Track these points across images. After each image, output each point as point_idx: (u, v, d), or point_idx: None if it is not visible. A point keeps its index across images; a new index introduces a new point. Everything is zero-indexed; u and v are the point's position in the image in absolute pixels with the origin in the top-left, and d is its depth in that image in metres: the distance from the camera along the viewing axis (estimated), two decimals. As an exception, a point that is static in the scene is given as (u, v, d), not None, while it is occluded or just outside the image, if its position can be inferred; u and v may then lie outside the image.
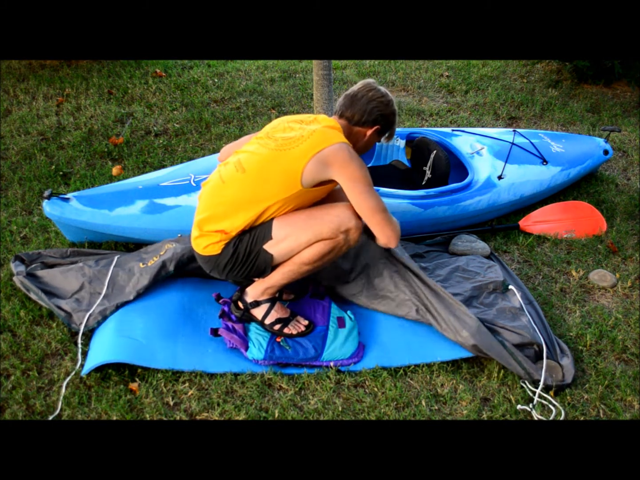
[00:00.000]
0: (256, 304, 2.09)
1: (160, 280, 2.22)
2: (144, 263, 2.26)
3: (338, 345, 2.05)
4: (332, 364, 2.02)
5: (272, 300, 2.09)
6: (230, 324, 2.07)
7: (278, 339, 2.05)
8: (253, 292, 2.08)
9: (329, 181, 1.97)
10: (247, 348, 2.02)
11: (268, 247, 1.96)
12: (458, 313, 2.06)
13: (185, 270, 2.28)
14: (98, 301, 2.15)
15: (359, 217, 1.98)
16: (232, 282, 2.17)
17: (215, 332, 2.06)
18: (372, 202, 1.94)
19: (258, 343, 2.03)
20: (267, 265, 2.01)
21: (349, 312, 2.19)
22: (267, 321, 2.08)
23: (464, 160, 2.93)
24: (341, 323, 2.12)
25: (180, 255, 2.25)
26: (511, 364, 1.97)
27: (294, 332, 2.08)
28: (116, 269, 2.27)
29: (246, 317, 2.10)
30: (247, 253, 1.98)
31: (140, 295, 2.16)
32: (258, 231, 1.97)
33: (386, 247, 2.04)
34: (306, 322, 2.11)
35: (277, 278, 2.04)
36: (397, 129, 3.17)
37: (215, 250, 1.99)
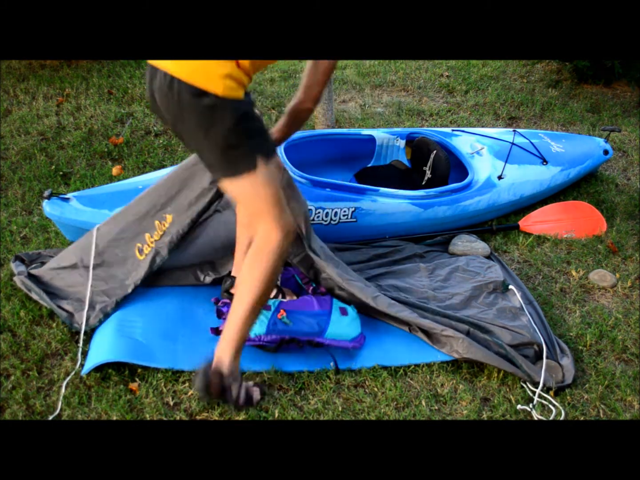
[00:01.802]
0: None
1: (156, 268, 2.18)
2: (141, 253, 2.21)
3: (342, 325, 2.04)
4: (334, 343, 2.00)
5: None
6: None
7: (279, 315, 2.03)
8: (224, 359, 1.76)
9: None
10: None
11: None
12: (448, 332, 2.05)
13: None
14: (90, 281, 2.14)
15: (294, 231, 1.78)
16: (209, 168, 1.73)
17: (216, 330, 2.06)
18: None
19: (260, 320, 1.99)
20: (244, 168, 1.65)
21: (351, 306, 2.19)
22: None
23: (464, 160, 2.93)
24: (343, 312, 2.12)
25: (176, 240, 2.17)
26: (512, 369, 1.98)
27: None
28: (109, 252, 2.22)
29: None
30: (249, 133, 1.61)
31: (137, 287, 2.15)
32: (264, 139, 1.70)
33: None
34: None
35: (235, 330, 1.74)
36: (397, 129, 3.17)
37: (229, 91, 1.53)
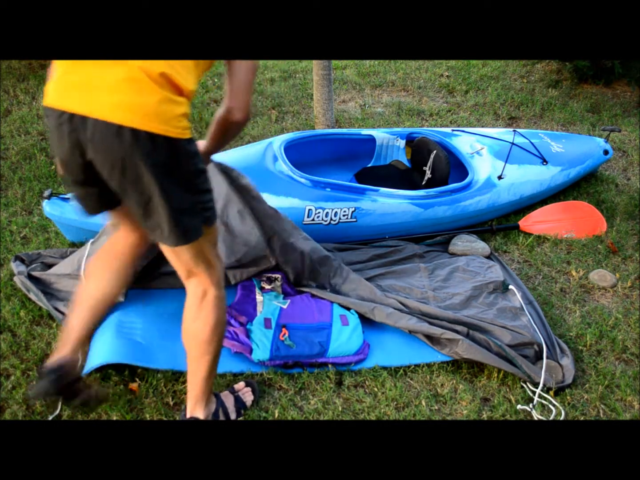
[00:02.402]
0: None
1: (139, 267, 2.14)
2: None
3: (344, 341, 2.04)
4: (337, 360, 2.01)
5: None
6: (232, 329, 2.06)
7: (281, 337, 2.04)
8: (199, 415, 1.76)
9: None
10: (251, 351, 2.01)
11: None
12: (447, 335, 2.06)
13: None
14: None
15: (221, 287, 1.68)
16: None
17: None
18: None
19: (262, 344, 2.00)
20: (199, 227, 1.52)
21: (352, 310, 2.19)
22: None
23: (464, 160, 2.93)
24: (344, 320, 2.12)
25: None
26: (512, 369, 1.98)
27: None
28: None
29: None
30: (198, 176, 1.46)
31: (128, 291, 2.13)
32: (211, 197, 1.55)
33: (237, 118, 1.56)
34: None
35: (201, 391, 1.72)
36: (397, 129, 3.17)
37: (186, 131, 1.39)
